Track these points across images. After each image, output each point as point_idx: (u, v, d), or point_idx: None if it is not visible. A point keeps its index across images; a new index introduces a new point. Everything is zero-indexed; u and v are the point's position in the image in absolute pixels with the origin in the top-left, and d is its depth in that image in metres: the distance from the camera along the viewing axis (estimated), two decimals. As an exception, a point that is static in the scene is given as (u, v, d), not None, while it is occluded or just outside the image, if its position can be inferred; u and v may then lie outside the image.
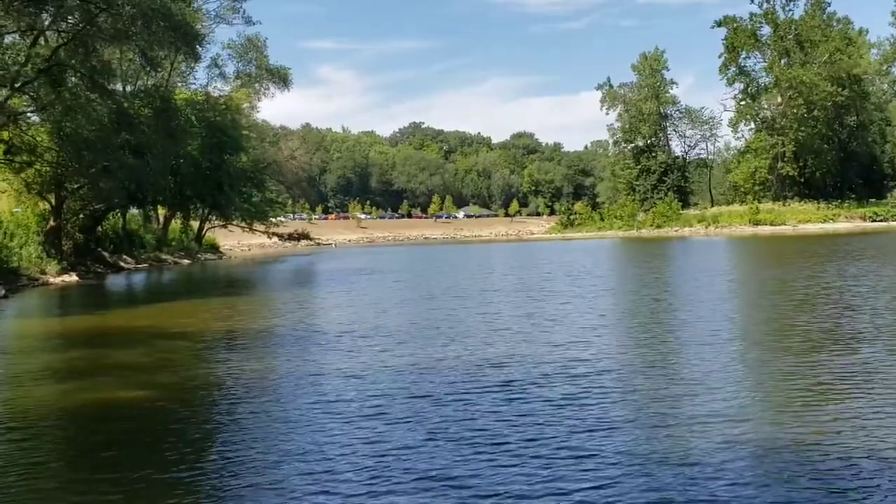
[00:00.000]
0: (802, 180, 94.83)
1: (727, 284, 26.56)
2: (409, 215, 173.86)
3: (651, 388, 10.61)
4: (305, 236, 78.91)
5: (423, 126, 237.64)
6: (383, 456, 8.08)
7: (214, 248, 66.88)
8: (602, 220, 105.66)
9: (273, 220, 72.48)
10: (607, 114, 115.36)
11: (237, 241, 79.13)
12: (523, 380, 11.31)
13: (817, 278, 25.37)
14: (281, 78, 68.53)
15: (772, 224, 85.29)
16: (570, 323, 17.16)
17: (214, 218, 65.26)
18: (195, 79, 62.81)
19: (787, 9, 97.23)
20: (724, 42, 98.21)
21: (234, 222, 66.61)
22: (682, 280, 27.94)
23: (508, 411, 9.61)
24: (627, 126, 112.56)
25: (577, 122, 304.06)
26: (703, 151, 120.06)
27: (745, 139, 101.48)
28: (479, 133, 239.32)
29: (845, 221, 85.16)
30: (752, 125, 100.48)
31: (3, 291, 28.43)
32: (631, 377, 11.46)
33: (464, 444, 8.32)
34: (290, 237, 77.41)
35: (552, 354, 13.21)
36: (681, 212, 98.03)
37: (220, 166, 54.82)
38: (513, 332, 15.93)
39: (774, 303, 19.61)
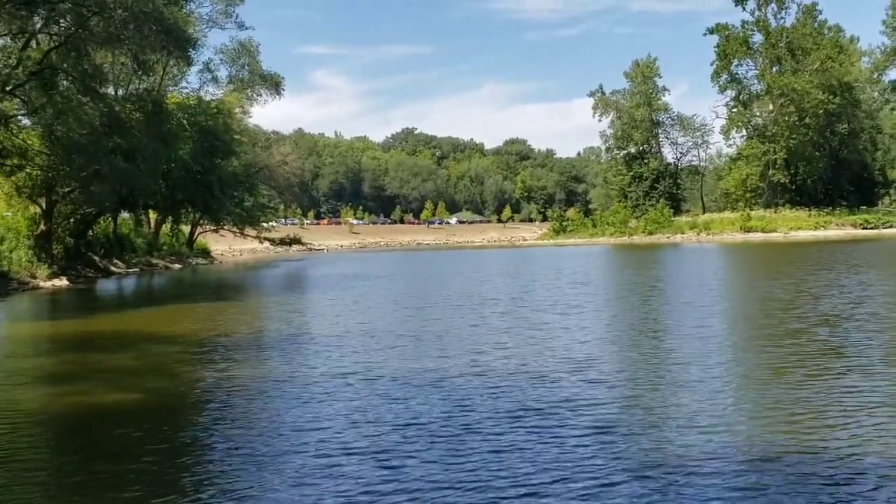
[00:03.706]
0: (794, 187, 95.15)
1: (731, 295, 26.16)
2: (402, 221, 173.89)
3: (665, 423, 9.42)
4: (297, 241, 78.84)
5: (416, 132, 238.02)
6: (371, 473, 7.97)
7: (206, 252, 66.80)
8: (594, 226, 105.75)
9: (265, 224, 72.46)
10: (600, 121, 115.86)
11: (228, 246, 79.02)
12: (525, 408, 10.20)
13: (827, 288, 24.93)
14: (273, 84, 68.71)
15: (763, 231, 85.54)
16: (575, 340, 15.96)
17: (206, 222, 65.16)
18: (187, 83, 62.88)
19: (778, 17, 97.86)
20: (716, 49, 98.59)
21: (226, 227, 66.55)
22: (686, 290, 26.79)
23: (507, 444, 8.69)
24: (620, 133, 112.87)
25: (570, 128, 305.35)
26: (694, 158, 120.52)
27: (737, 146, 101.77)
28: (471, 139, 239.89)
29: (836, 229, 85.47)
30: (744, 132, 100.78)
31: (-7, 295, 28.33)
32: (637, 404, 10.33)
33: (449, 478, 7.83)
34: (282, 242, 77.32)
35: (559, 376, 12.09)
36: (672, 218, 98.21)
37: (212, 170, 54.74)
38: (513, 347, 14.96)
39: (784, 318, 18.35)
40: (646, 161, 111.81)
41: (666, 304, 22.71)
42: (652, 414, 9.87)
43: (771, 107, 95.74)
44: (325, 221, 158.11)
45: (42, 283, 34.70)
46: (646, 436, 8.87)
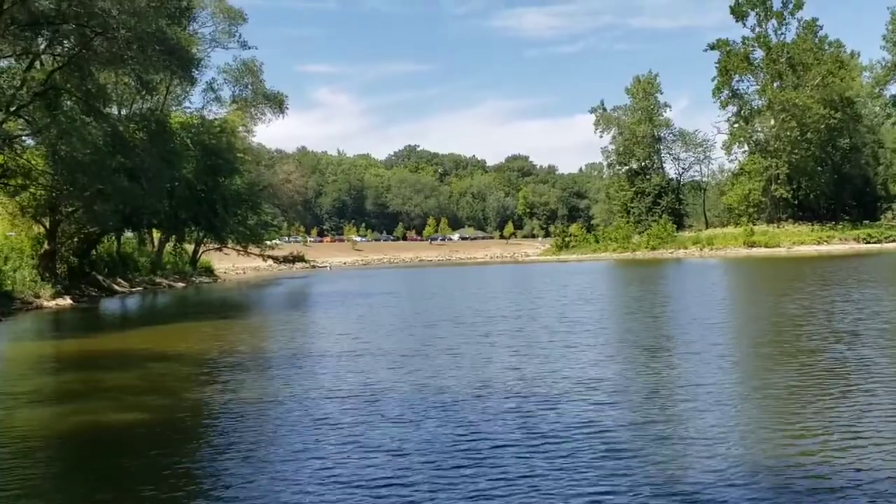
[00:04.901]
0: (796, 202, 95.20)
1: (742, 311, 25.84)
2: (405, 238, 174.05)
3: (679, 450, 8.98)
4: (300, 259, 79.03)
5: (419, 149, 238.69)
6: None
7: (209, 271, 66.74)
8: (597, 242, 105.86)
9: (268, 242, 72.51)
10: (601, 136, 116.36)
11: (232, 265, 79.04)
12: (536, 433, 9.79)
13: (839, 304, 24.42)
14: (277, 103, 68.91)
15: (766, 246, 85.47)
16: (585, 360, 15.29)
17: (209, 241, 65.20)
18: (190, 103, 63.27)
19: (779, 32, 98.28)
20: (717, 65, 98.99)
21: (229, 245, 66.57)
22: (695, 307, 26.31)
23: (519, 474, 8.24)
24: (621, 149, 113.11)
25: (572, 144, 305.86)
26: (697, 174, 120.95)
27: (739, 161, 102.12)
28: (473, 156, 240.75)
29: (839, 243, 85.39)
30: (746, 147, 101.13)
31: (-4, 315, 28.35)
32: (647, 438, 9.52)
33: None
34: (285, 260, 77.50)
35: (570, 399, 11.68)
36: (675, 234, 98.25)
37: (215, 189, 54.87)
38: (521, 367, 14.54)
39: (799, 335, 17.83)
40: (648, 177, 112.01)
41: (676, 322, 22.35)
42: (670, 440, 9.42)
43: (772, 122, 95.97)
44: (328, 239, 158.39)
45: (46, 303, 34.71)
46: (665, 465, 8.43)
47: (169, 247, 62.17)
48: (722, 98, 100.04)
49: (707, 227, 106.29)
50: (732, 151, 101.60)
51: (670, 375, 13.58)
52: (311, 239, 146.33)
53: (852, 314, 21.11)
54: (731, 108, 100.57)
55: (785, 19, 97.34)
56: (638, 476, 8.06)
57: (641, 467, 8.36)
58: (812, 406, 10.81)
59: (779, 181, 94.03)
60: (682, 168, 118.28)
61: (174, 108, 58.06)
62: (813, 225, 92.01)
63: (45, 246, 40.48)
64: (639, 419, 10.47)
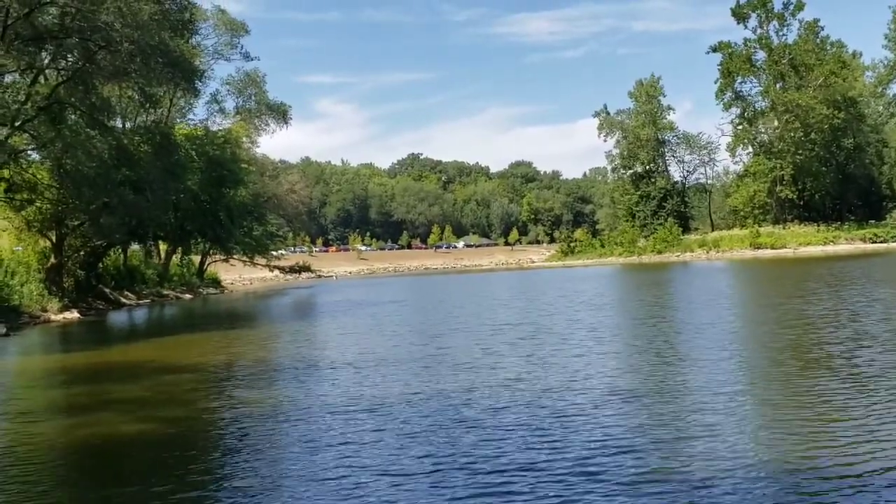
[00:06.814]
0: (802, 203, 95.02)
1: (760, 315, 24.78)
2: (409, 246, 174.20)
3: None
4: (306, 269, 79.08)
5: (422, 157, 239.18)
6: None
7: (216, 282, 66.86)
8: (603, 246, 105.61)
9: (274, 253, 72.65)
10: (605, 141, 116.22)
11: (238, 275, 79.17)
12: (563, 449, 9.31)
13: (859, 305, 23.62)
14: (280, 114, 69.24)
15: (772, 247, 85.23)
16: (603, 371, 14.62)
17: (216, 252, 65.34)
18: (194, 114, 63.39)
19: (780, 34, 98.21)
20: (720, 67, 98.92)
21: (236, 256, 66.69)
22: (710, 311, 25.11)
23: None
24: (626, 153, 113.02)
25: (575, 149, 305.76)
26: (701, 176, 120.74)
27: (744, 163, 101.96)
28: (477, 163, 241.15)
29: (846, 243, 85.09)
30: (750, 149, 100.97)
31: (5, 329, 28.38)
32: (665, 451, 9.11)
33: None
34: (291, 270, 77.61)
35: (594, 414, 11.04)
36: (681, 237, 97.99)
37: (220, 200, 54.98)
38: (540, 379, 13.84)
39: (825, 338, 17.00)
40: (653, 180, 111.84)
41: (693, 327, 20.81)
42: (702, 457, 8.83)
43: (776, 123, 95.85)
44: (334, 248, 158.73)
45: (53, 317, 34.75)
46: (700, 484, 7.90)
47: (175, 258, 62.32)
48: (725, 100, 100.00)
49: (713, 230, 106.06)
50: (737, 153, 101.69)
51: (696, 385, 12.82)
52: (317, 249, 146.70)
53: (873, 316, 20.45)
54: (735, 110, 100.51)
55: (786, 20, 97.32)
56: (673, 498, 7.61)
57: (676, 488, 7.87)
58: (850, 416, 10.22)
59: (784, 182, 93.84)
60: (687, 171, 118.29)
61: (178, 121, 58.34)
62: (819, 225, 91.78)
63: (52, 260, 40.55)
64: (668, 435, 9.88)
